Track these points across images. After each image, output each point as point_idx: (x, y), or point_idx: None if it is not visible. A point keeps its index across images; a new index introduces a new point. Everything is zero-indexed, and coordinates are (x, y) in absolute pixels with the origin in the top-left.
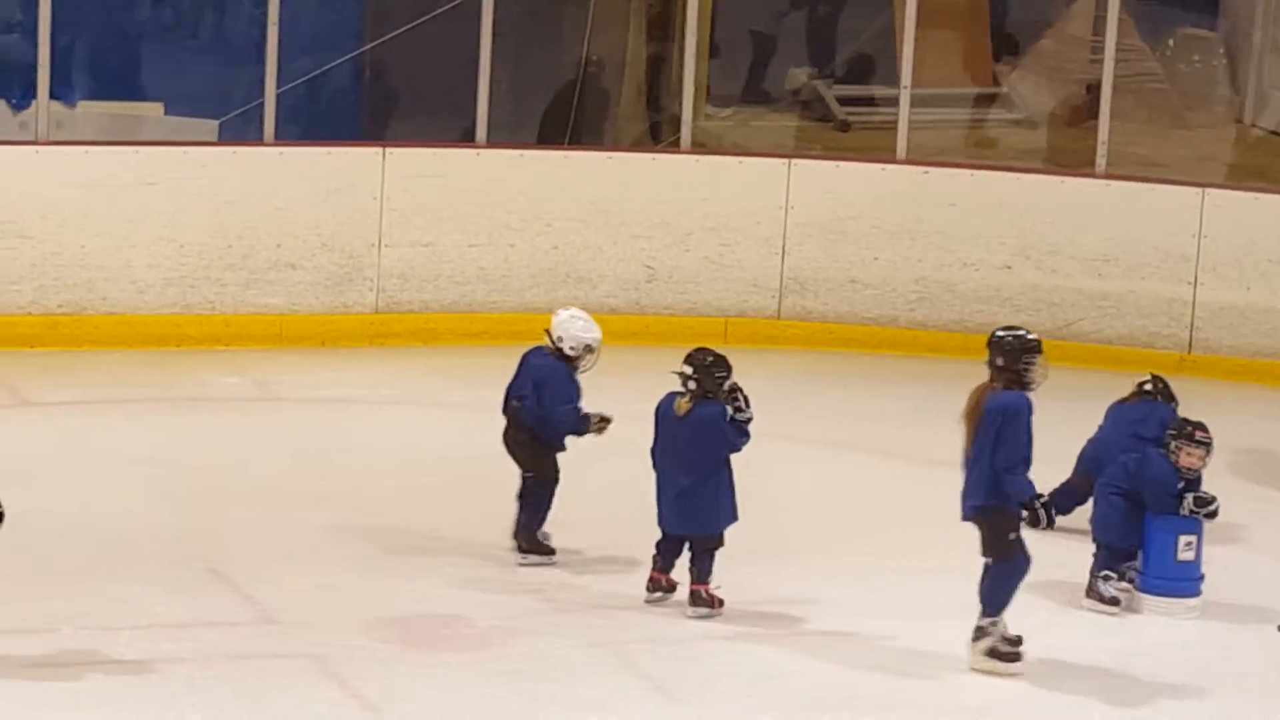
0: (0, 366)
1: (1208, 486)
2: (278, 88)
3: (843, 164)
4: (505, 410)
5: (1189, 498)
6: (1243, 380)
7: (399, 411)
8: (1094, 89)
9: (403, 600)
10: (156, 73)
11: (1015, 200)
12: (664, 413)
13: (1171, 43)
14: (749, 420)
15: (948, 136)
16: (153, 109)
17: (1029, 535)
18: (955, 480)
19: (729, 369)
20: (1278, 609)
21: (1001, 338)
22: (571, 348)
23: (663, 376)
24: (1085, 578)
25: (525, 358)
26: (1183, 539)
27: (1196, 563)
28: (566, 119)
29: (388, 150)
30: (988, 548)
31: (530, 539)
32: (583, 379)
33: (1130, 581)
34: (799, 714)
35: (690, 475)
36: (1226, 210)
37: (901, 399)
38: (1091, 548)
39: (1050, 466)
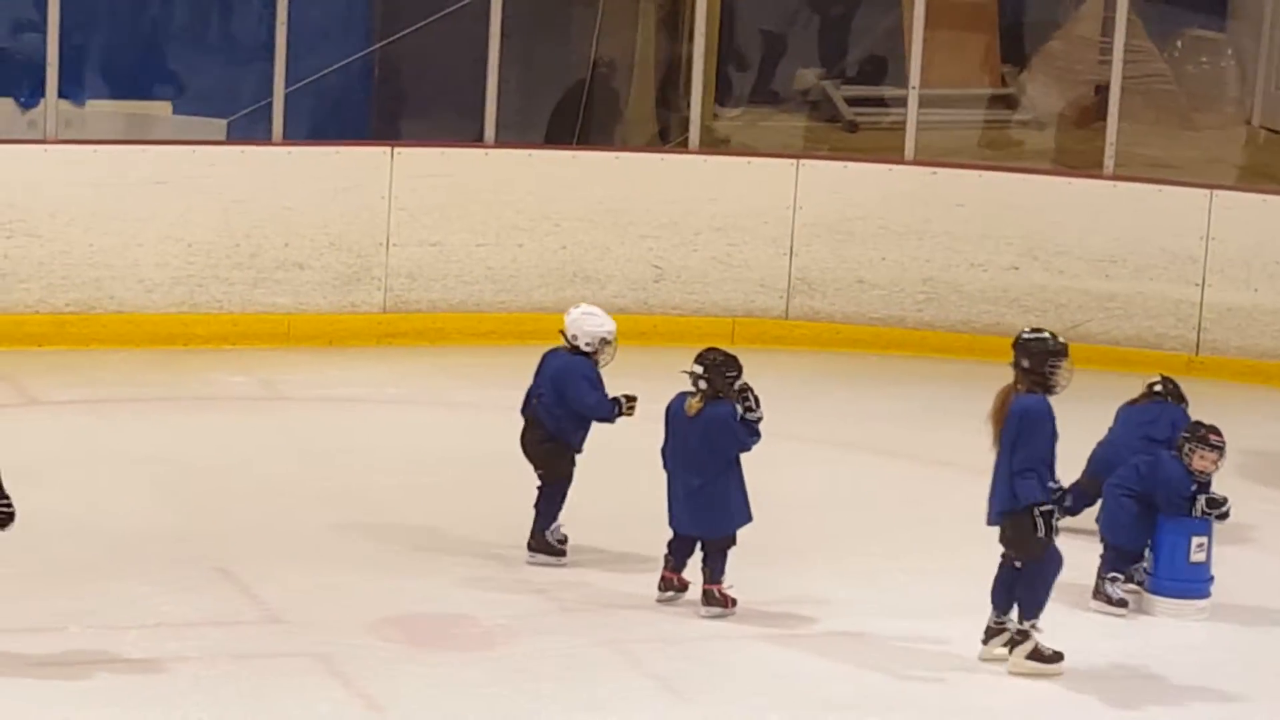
0: (8, 365)
1: (1216, 488)
2: (286, 87)
3: (851, 164)
4: (524, 410)
5: (1201, 499)
6: (1250, 381)
7: (406, 411)
8: (1102, 90)
9: (408, 599)
10: (165, 72)
11: (1023, 201)
12: (674, 413)
13: (1180, 44)
14: (759, 419)
15: (956, 137)
16: (161, 108)
17: None
18: (962, 480)
19: (739, 369)
20: None
21: (1028, 340)
22: (587, 343)
23: (670, 376)
24: (1093, 579)
25: (543, 359)
26: (1195, 540)
27: (1207, 564)
28: (575, 119)
29: (396, 150)
30: (1016, 551)
31: (539, 538)
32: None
33: (1139, 583)
34: (807, 714)
35: (701, 475)
36: (1234, 212)
37: (909, 399)
38: (1099, 549)
39: (1059, 467)
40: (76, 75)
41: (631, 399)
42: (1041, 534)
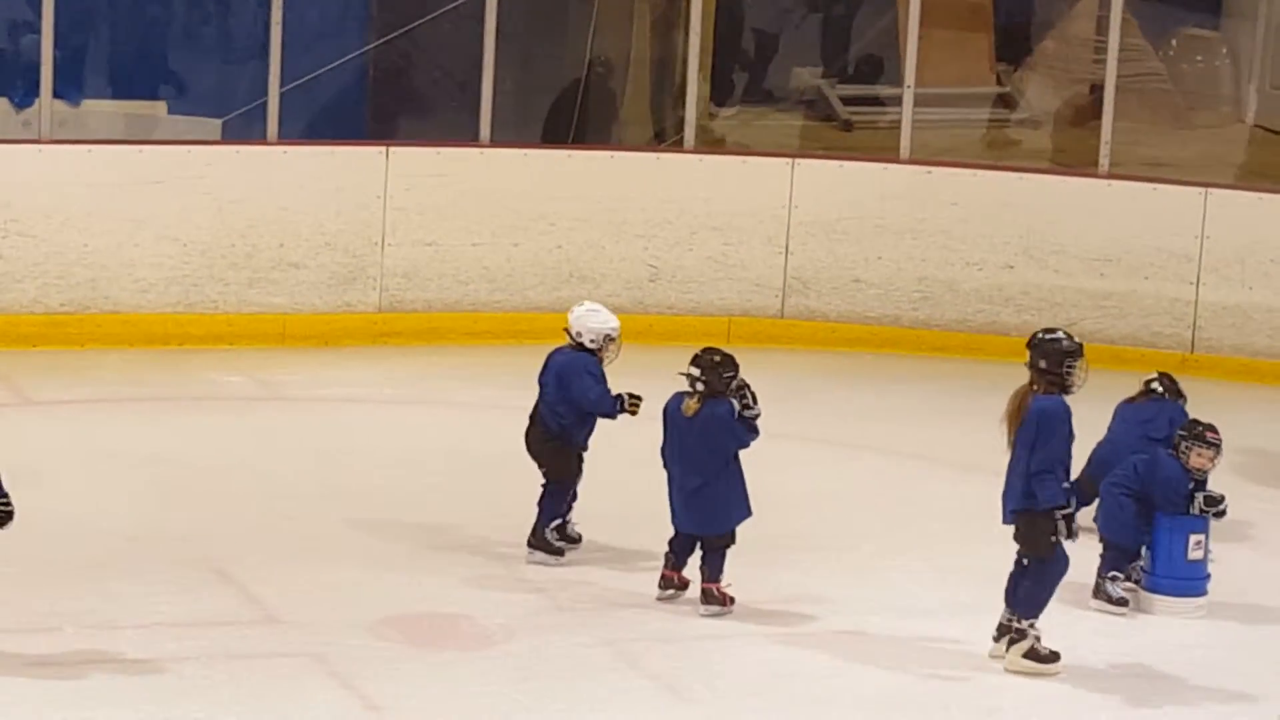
0: (3, 365)
1: (1212, 486)
2: (281, 87)
3: (846, 163)
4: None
5: (1199, 497)
6: (1245, 380)
7: (402, 411)
8: (1097, 89)
9: (406, 599)
10: (160, 72)
11: (1018, 200)
12: (672, 413)
13: (1174, 43)
14: (757, 416)
15: (951, 136)
16: (156, 108)
17: None
18: (959, 479)
19: (736, 367)
20: None
21: (1043, 340)
22: (592, 340)
23: (666, 375)
24: (1092, 578)
25: (549, 357)
26: (1193, 538)
27: (1204, 562)
28: (570, 118)
29: (391, 149)
30: (1028, 548)
31: (539, 536)
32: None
33: (1136, 581)
34: (806, 712)
35: (701, 475)
36: (1229, 210)
37: (905, 398)
38: (1098, 548)
39: None
40: (71, 75)
41: (635, 397)
42: (1063, 536)
